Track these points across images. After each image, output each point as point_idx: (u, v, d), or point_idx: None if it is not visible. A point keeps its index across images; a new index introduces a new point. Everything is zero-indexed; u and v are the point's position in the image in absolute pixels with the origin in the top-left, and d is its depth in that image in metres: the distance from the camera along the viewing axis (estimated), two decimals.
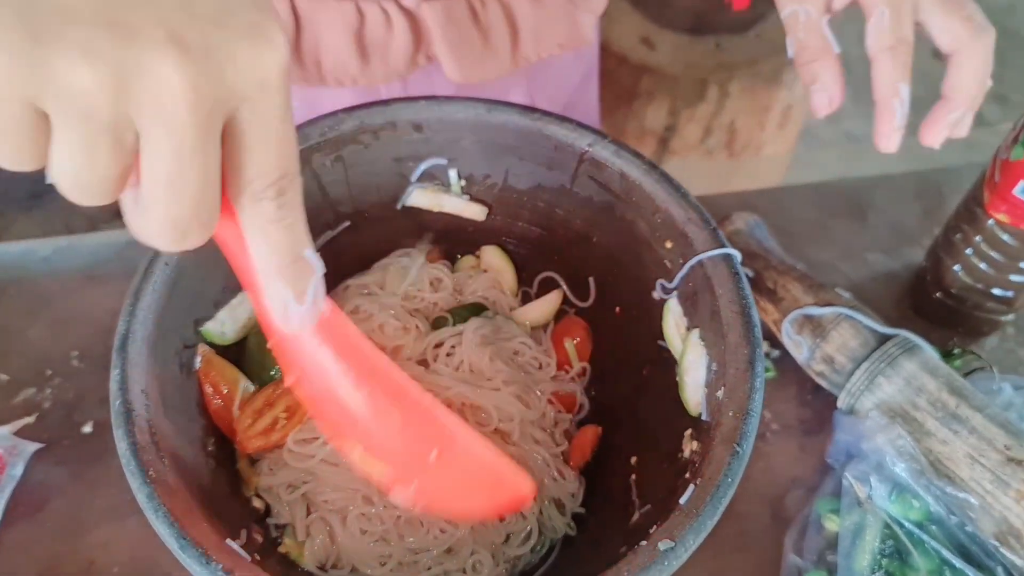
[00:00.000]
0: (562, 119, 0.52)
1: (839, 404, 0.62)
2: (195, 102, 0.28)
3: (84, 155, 0.28)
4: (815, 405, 0.66)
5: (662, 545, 0.38)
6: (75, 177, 0.29)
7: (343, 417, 0.41)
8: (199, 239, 0.31)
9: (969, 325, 0.70)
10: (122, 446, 0.40)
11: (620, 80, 1.43)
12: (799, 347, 0.64)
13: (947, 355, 0.65)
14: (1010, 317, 0.69)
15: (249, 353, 0.54)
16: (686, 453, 0.47)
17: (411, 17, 0.68)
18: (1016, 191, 0.59)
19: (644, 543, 0.39)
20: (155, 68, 0.27)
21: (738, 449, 0.40)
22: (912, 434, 0.58)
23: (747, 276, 0.52)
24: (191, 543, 0.37)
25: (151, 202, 0.30)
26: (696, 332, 0.50)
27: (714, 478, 0.40)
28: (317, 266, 0.35)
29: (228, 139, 0.30)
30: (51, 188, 0.31)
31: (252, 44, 0.29)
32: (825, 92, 0.47)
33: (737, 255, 0.47)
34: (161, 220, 0.30)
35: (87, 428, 0.64)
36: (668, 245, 0.51)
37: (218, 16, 0.29)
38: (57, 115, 0.27)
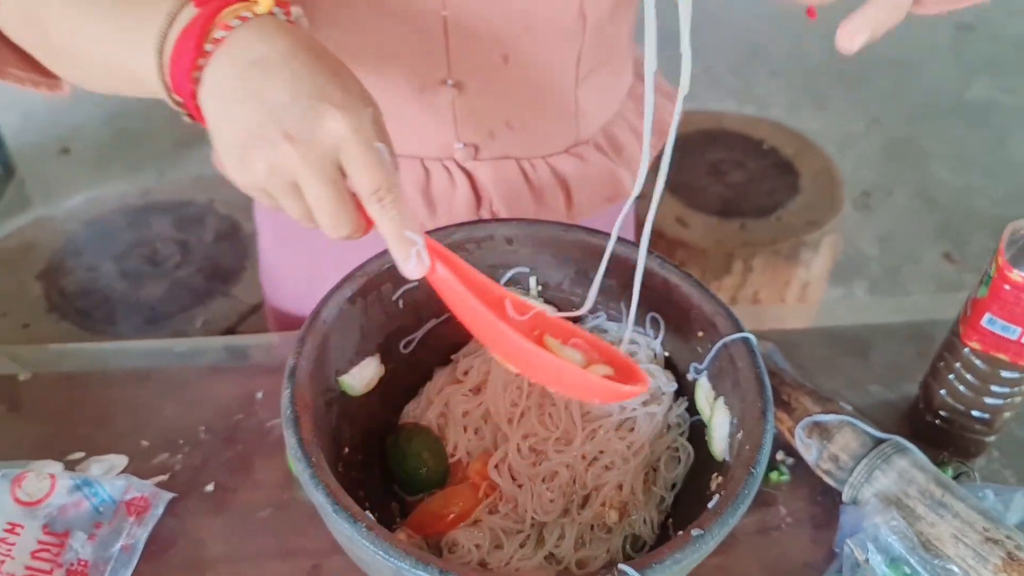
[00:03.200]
0: (620, 240, 0.67)
1: (843, 497, 0.73)
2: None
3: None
4: (824, 503, 0.76)
5: (694, 532, 0.49)
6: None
7: (486, 329, 0.57)
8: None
9: (959, 446, 0.80)
10: (292, 441, 0.53)
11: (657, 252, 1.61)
12: (809, 449, 0.76)
13: (937, 464, 0.76)
14: (992, 439, 0.80)
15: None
16: (712, 488, 0.59)
17: (469, 175, 0.78)
18: (983, 322, 0.73)
19: (679, 533, 0.50)
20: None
21: (753, 471, 0.53)
22: (905, 518, 0.68)
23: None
24: (343, 508, 0.49)
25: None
26: (721, 399, 0.63)
27: (735, 490, 0.52)
28: (417, 240, 0.51)
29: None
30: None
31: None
32: None
33: (753, 338, 0.61)
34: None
35: (209, 488, 0.76)
36: (699, 335, 0.65)
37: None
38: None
